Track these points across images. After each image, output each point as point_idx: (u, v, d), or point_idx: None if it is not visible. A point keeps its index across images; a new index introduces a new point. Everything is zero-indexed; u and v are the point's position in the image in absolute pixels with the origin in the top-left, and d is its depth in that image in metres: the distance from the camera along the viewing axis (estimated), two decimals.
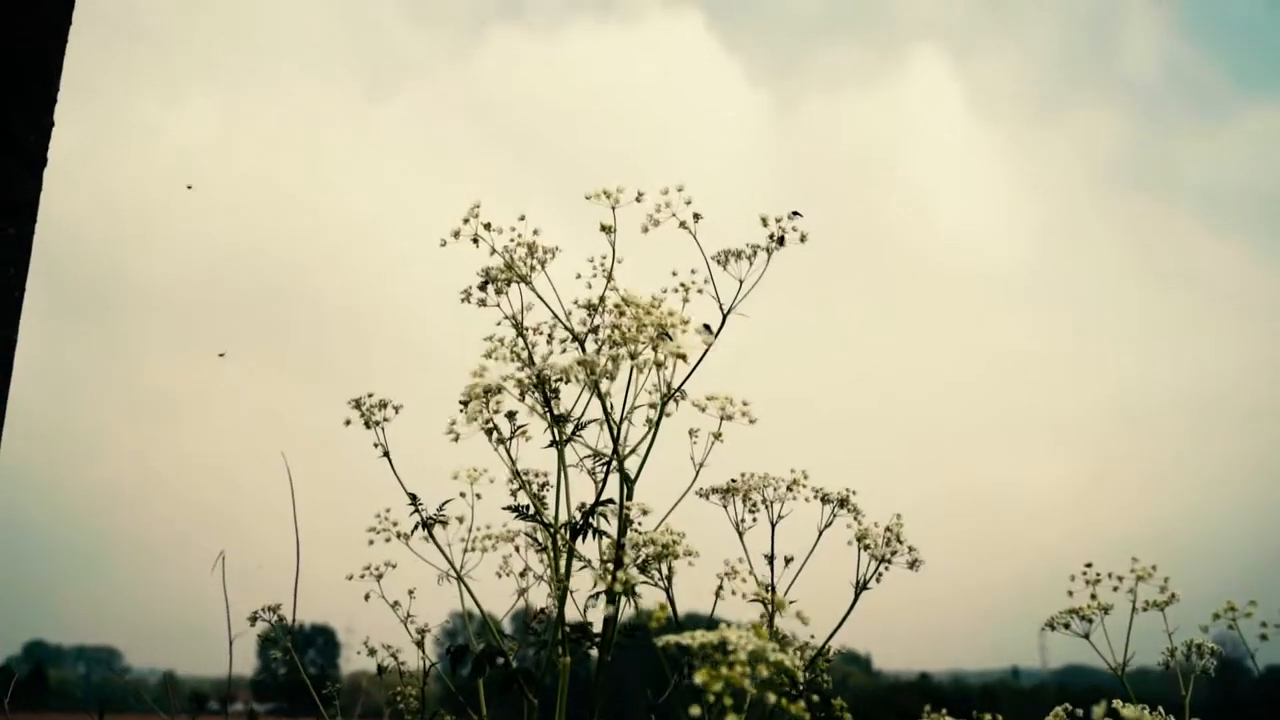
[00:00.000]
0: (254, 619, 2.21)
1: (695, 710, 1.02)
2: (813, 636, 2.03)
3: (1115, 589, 1.87)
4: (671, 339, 1.74)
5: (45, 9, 1.85)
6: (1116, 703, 1.20)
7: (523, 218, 1.89)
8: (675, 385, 1.81)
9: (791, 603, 1.87)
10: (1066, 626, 1.90)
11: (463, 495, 1.91)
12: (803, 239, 1.83)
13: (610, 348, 1.78)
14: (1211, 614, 1.77)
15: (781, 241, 1.82)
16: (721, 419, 1.80)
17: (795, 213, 1.82)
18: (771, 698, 1.03)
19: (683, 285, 1.85)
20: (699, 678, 1.02)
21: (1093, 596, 1.87)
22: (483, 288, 1.93)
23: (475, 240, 1.88)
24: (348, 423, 1.97)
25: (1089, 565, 1.88)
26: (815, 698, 1.93)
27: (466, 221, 1.88)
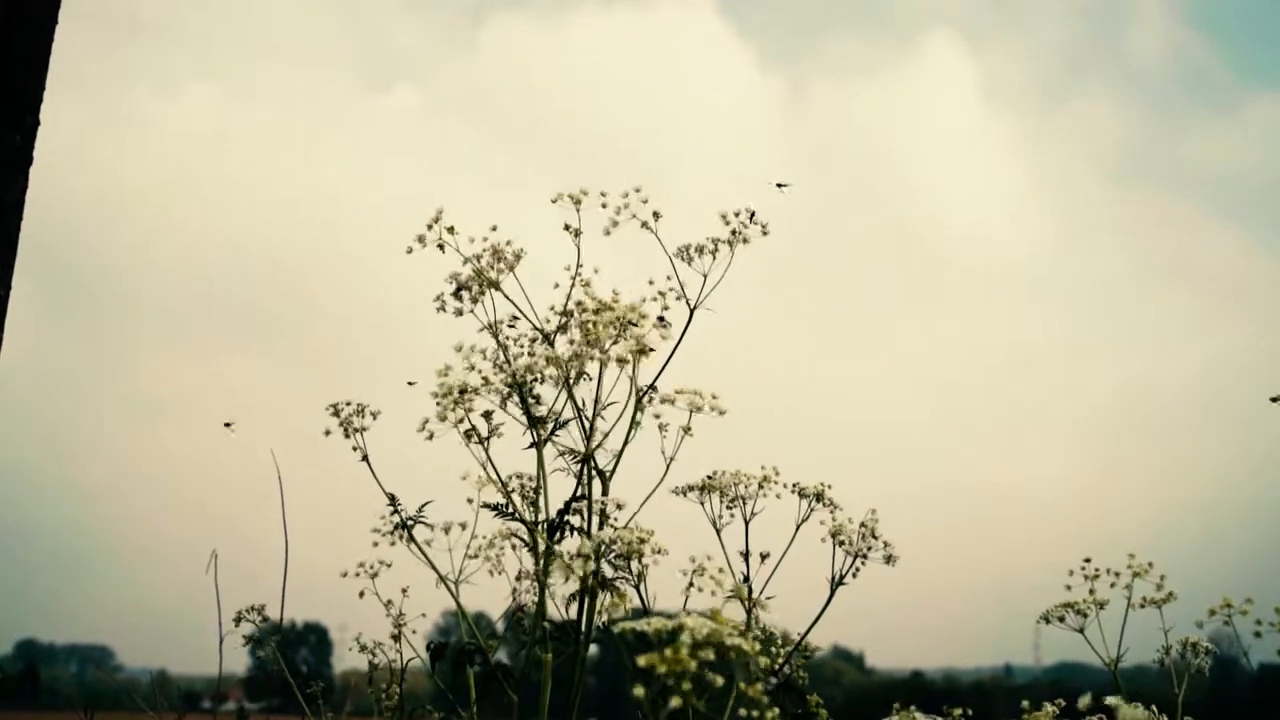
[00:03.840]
0: (238, 619, 2.20)
1: (639, 691, 0.99)
2: (796, 634, 2.02)
3: (1112, 585, 1.86)
4: (635, 326, 1.73)
5: (29, 6, 1.82)
6: (1110, 699, 1.18)
7: (495, 228, 1.86)
8: (648, 382, 1.80)
9: (769, 598, 1.86)
10: (1061, 620, 1.89)
11: (470, 501, 1.90)
12: (764, 232, 1.82)
13: (579, 345, 1.77)
14: (1208, 610, 1.76)
15: (749, 228, 1.80)
16: (691, 411, 1.78)
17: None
18: (719, 680, 0.99)
19: (660, 293, 1.82)
20: (643, 661, 0.99)
21: (1090, 591, 1.86)
22: (456, 295, 1.90)
23: (441, 247, 1.85)
24: (327, 433, 1.95)
25: (1087, 560, 1.88)
26: (773, 680, 1.92)
27: (430, 228, 1.85)
